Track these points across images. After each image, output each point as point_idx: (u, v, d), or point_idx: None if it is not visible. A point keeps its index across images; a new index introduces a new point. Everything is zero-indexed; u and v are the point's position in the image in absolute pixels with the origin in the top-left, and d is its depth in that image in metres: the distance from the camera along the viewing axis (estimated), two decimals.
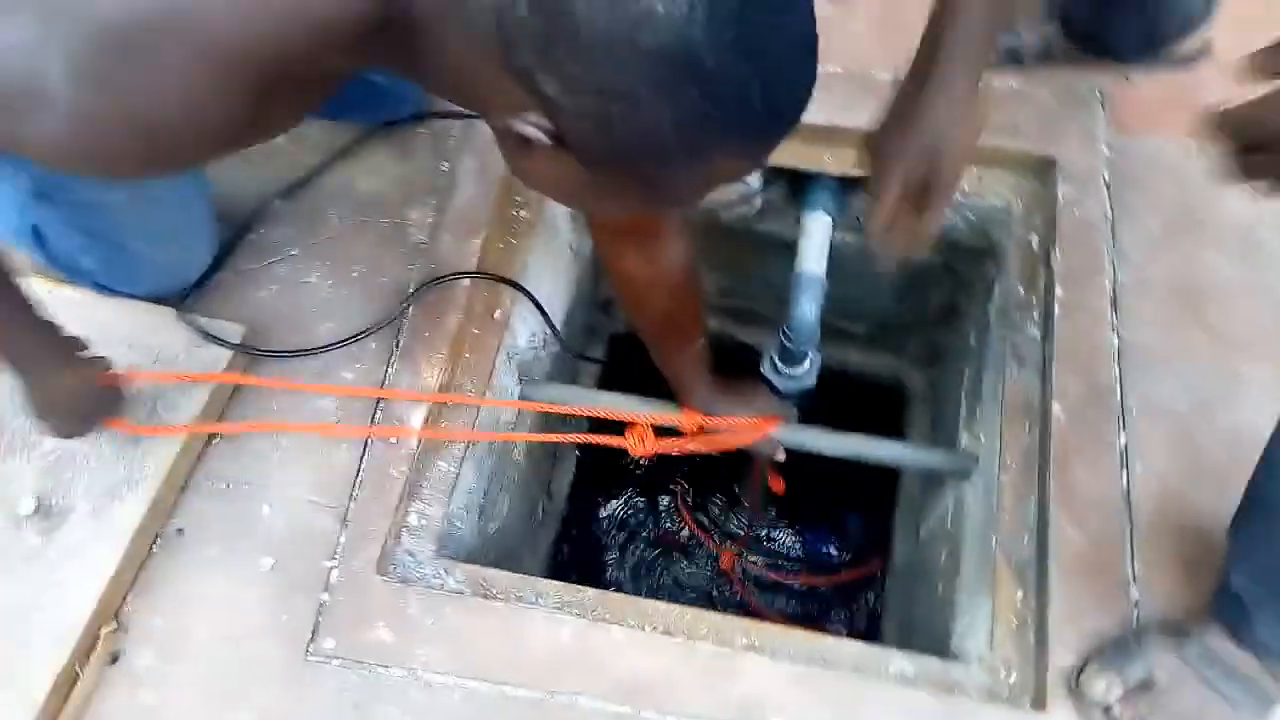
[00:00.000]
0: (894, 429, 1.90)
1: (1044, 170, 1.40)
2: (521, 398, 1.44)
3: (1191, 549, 1.13)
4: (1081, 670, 1.05)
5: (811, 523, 2.14)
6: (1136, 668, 1.02)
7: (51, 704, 1.05)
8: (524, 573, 1.44)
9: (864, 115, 1.16)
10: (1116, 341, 1.26)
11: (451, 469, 1.26)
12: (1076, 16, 1.45)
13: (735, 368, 1.48)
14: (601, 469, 2.03)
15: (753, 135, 0.64)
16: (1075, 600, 1.10)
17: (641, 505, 2.16)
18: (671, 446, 1.36)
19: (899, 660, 1.11)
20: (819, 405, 2.06)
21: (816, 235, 1.47)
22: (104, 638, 1.10)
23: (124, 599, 1.13)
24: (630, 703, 1.07)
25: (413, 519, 1.22)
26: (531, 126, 0.62)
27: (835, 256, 1.62)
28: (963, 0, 0.97)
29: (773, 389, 1.58)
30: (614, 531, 2.13)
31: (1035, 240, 1.38)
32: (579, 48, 0.57)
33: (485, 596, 1.15)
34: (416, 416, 1.24)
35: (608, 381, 1.84)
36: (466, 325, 1.33)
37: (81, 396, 1.11)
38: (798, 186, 1.54)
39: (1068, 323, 1.27)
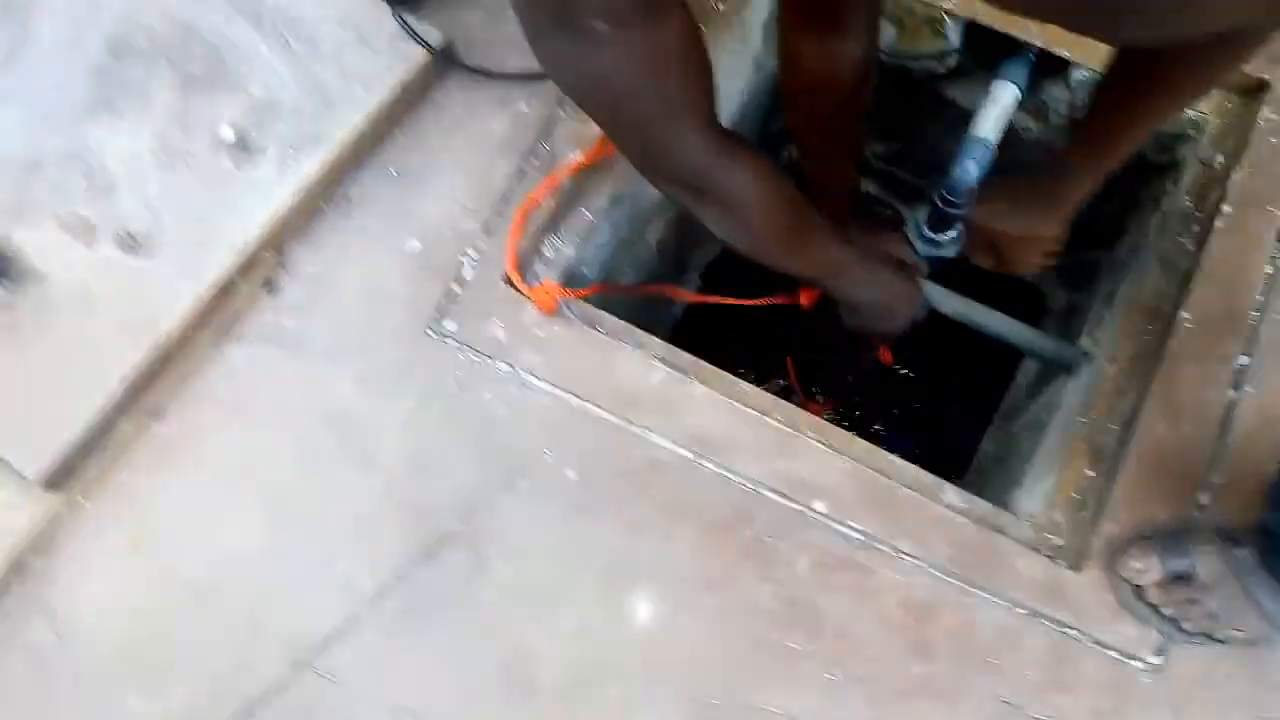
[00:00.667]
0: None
1: (1252, 93, 1.35)
2: None
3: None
4: (1123, 548, 1.08)
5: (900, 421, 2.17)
6: (1180, 560, 1.04)
7: (212, 300, 1.21)
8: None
9: None
10: (1269, 270, 1.23)
11: (591, 219, 1.34)
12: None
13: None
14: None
15: None
16: (1143, 489, 1.12)
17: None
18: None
19: (952, 493, 1.16)
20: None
21: (1000, 103, 1.45)
22: (265, 263, 1.25)
23: (289, 240, 1.27)
24: (695, 449, 1.16)
25: (546, 250, 1.31)
26: None
27: (1010, 143, 1.61)
28: (1124, 134, 1.03)
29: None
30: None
31: (1220, 159, 1.34)
32: None
33: (593, 328, 1.25)
34: (572, 160, 1.33)
35: None
36: None
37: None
38: (994, 55, 1.52)
39: (1225, 241, 1.24)
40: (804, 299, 1.42)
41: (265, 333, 1.24)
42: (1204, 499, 1.12)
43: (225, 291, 1.22)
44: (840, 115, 1.22)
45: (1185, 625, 1.04)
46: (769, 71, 1.69)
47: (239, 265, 1.22)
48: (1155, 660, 1.05)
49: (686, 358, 1.24)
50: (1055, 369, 1.50)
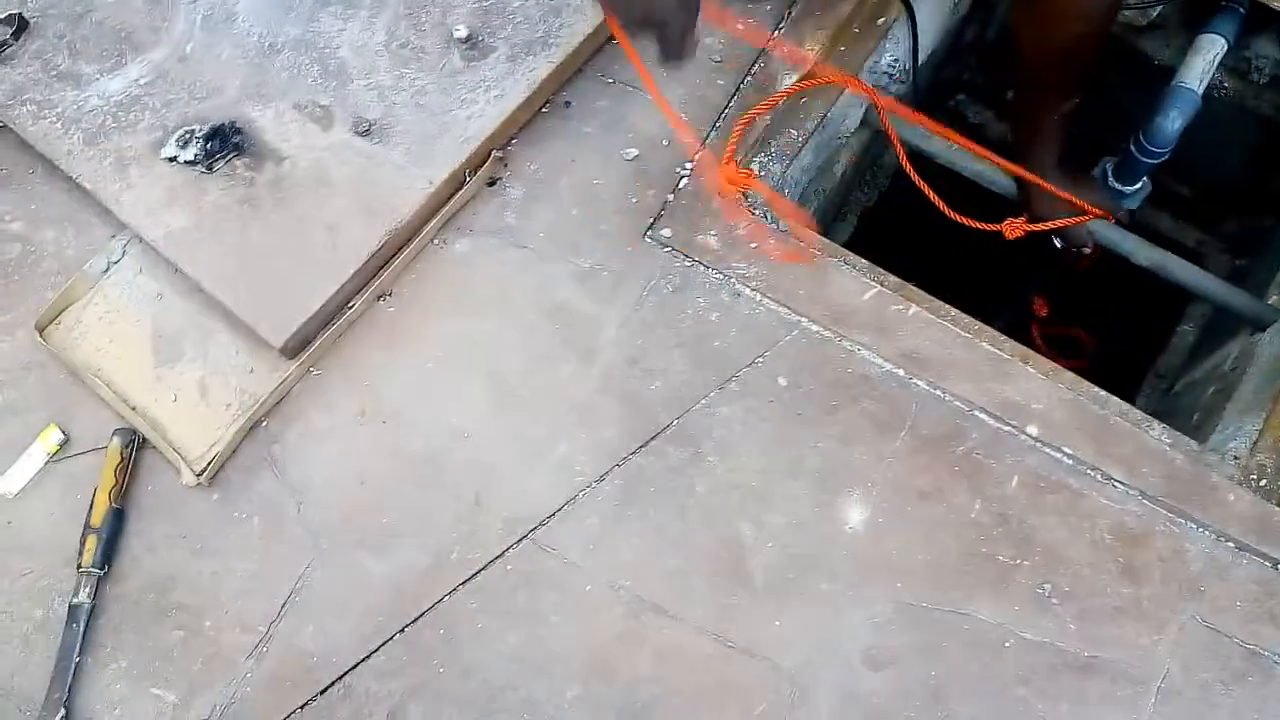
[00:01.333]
0: (1173, 310, 1.88)
1: None
2: (863, 121, 1.52)
3: None
4: None
5: None
6: None
7: (443, 190, 1.26)
8: None
9: None
10: None
11: (799, 139, 1.36)
12: None
13: None
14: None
15: None
16: None
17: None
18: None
19: (1159, 429, 1.18)
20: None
21: (1206, 55, 1.45)
22: (491, 161, 1.29)
23: (512, 139, 1.32)
24: (906, 367, 1.18)
25: (757, 165, 1.34)
26: None
27: (1204, 98, 1.60)
28: None
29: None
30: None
31: None
32: None
33: (801, 244, 1.28)
34: (787, 80, 1.35)
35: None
36: (853, 19, 1.40)
37: None
38: (1197, 9, 1.51)
39: None
40: (1009, 232, 1.43)
41: (490, 226, 1.28)
42: None
43: (454, 183, 1.27)
44: (1075, 47, 1.22)
45: None
46: (963, 14, 1.69)
47: (467, 159, 1.27)
48: None
49: (895, 279, 1.26)
50: (1233, 327, 1.49)
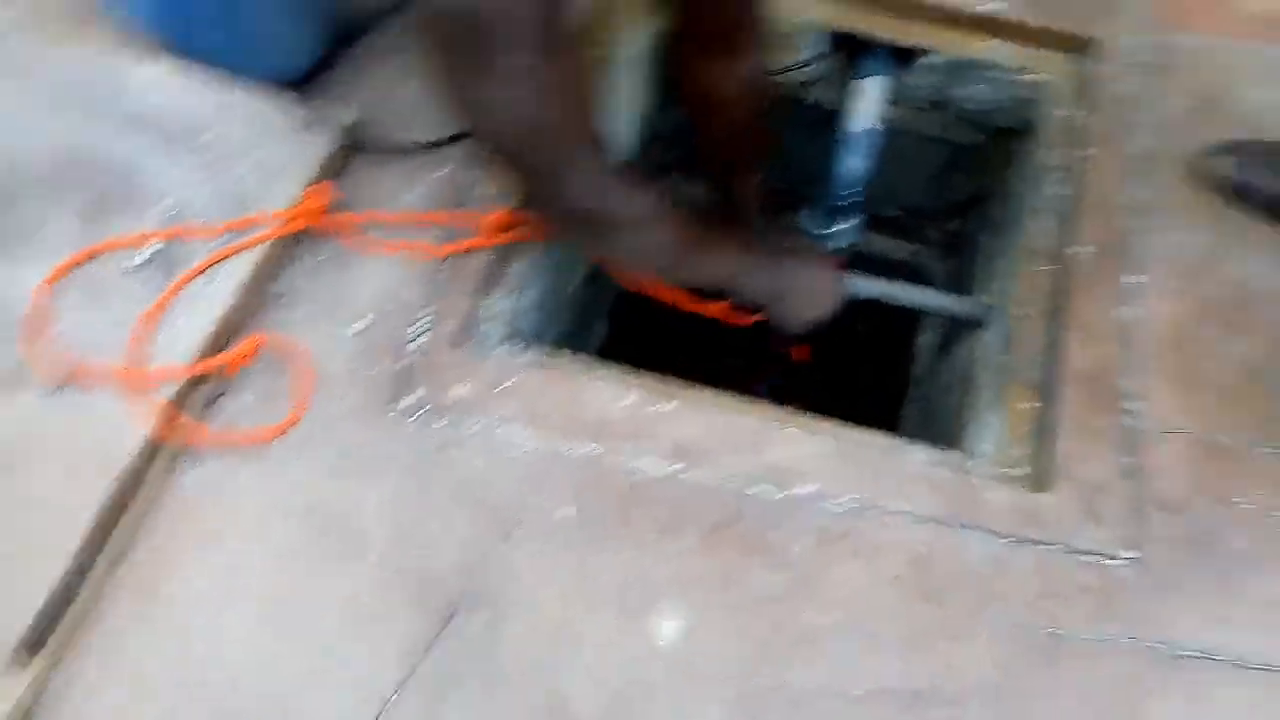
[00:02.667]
0: (911, 321, 2.03)
1: (1088, 50, 1.52)
2: None
3: (1185, 371, 1.27)
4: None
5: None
6: None
7: (161, 424, 1.18)
8: None
9: None
10: (1132, 198, 1.39)
11: (523, 269, 1.38)
12: None
13: None
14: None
15: None
16: (1077, 409, 1.24)
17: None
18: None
19: (920, 451, 1.25)
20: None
21: (871, 96, 1.59)
22: (210, 374, 1.22)
23: (232, 342, 1.26)
24: (679, 462, 1.20)
25: (488, 308, 1.34)
26: None
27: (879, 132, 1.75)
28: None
29: None
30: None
31: (1070, 113, 1.50)
32: None
33: (553, 370, 1.29)
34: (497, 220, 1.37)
35: None
36: None
37: None
38: (850, 58, 1.66)
39: (1091, 181, 1.40)
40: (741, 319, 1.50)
41: (221, 444, 1.21)
42: (1128, 405, 1.24)
43: (173, 412, 1.20)
44: (746, 123, 1.31)
45: None
46: (649, 104, 1.78)
47: (183, 382, 1.20)
48: (1131, 554, 1.15)
49: (651, 378, 1.29)
50: (964, 329, 1.62)
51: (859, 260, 1.98)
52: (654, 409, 1.24)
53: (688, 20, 1.20)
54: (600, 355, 1.99)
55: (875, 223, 2.06)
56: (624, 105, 1.71)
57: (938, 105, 1.67)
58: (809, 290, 1.39)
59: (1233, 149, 1.40)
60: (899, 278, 2.07)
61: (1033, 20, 1.51)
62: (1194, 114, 1.47)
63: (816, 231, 1.68)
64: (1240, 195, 1.37)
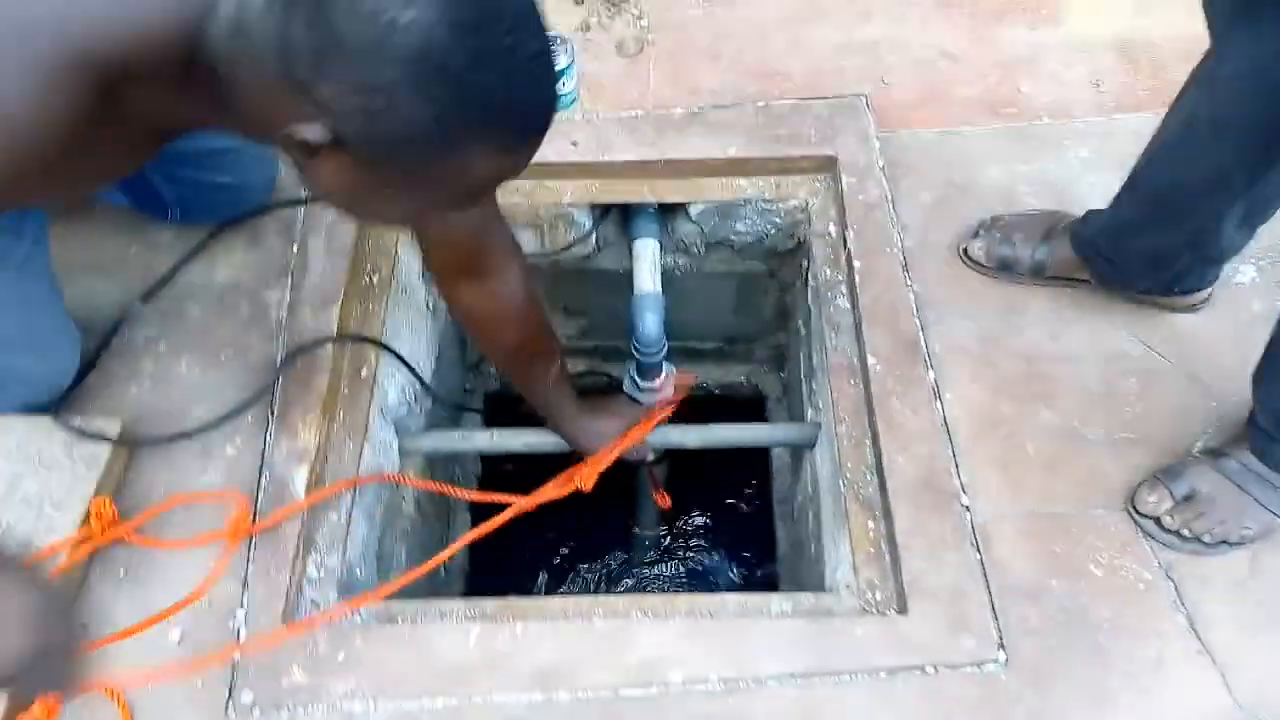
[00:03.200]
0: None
1: (829, 167, 1.60)
2: (400, 451, 1.52)
3: (1005, 452, 1.30)
4: (1135, 493, 1.24)
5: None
6: (1181, 484, 1.22)
7: None
8: None
9: (669, 149, 1.39)
10: (913, 297, 1.44)
11: (341, 520, 1.33)
12: (1095, 251, 1.38)
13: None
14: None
15: (503, 133, 0.74)
16: (916, 517, 1.25)
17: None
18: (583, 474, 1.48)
19: (778, 601, 1.23)
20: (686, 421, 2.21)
21: (646, 256, 1.63)
22: None
23: None
24: (541, 689, 1.14)
25: (311, 570, 1.28)
26: (312, 129, 0.71)
27: (670, 281, 1.79)
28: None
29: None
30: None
31: (833, 228, 1.57)
32: (345, 54, 0.67)
33: (392, 623, 1.22)
34: (300, 477, 1.31)
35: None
36: (336, 384, 1.41)
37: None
38: (625, 219, 1.70)
39: (870, 289, 1.45)
40: (583, 484, 1.48)
41: None
42: (965, 499, 1.26)
43: None
44: (523, 333, 1.30)
45: (1205, 538, 1.20)
46: (444, 309, 1.78)
47: None
48: (1001, 655, 1.14)
49: (491, 603, 1.24)
50: (801, 449, 1.64)
51: (696, 401, 2.02)
52: (505, 635, 1.18)
53: (432, 253, 1.22)
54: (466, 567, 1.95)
55: (702, 355, 2.10)
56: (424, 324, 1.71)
57: (716, 245, 1.72)
58: (609, 429, 1.48)
59: (987, 227, 1.48)
60: (738, 404, 2.14)
61: (775, 152, 1.59)
62: (943, 205, 1.55)
63: (640, 385, 1.69)
64: (1004, 268, 1.44)
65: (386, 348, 1.49)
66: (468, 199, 0.83)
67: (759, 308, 1.93)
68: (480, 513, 1.98)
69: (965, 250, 1.47)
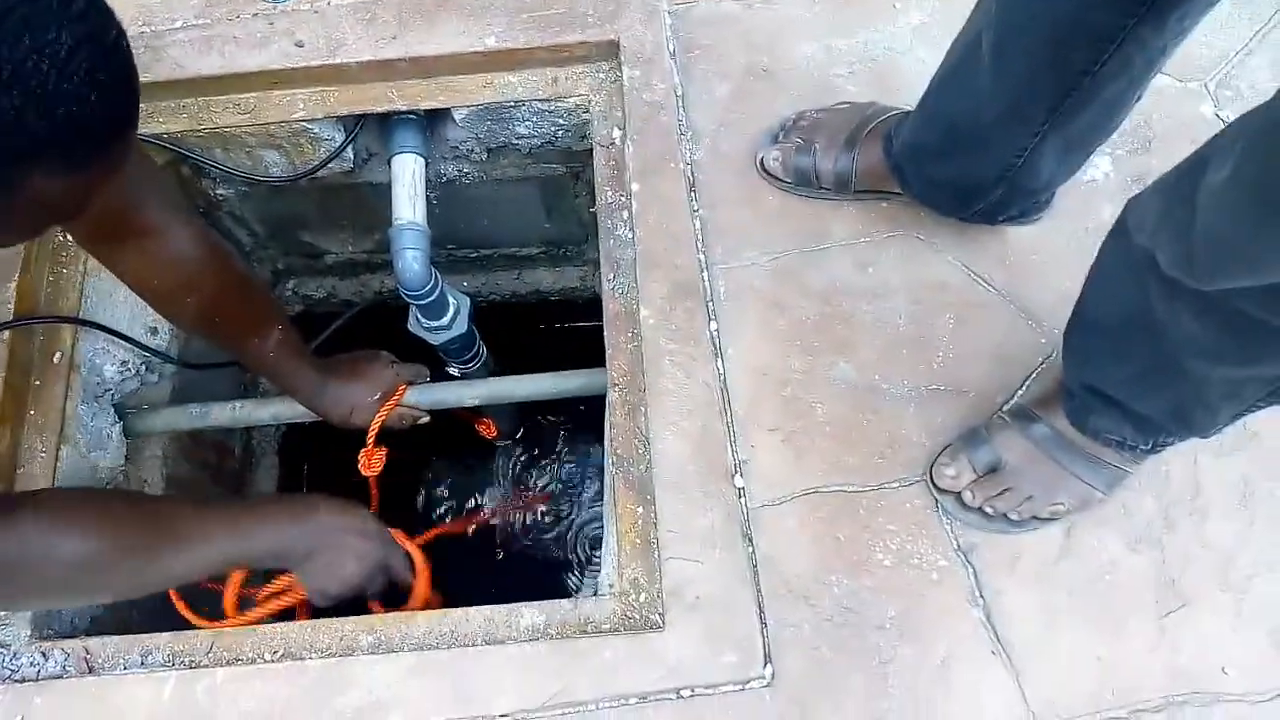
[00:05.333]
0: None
1: (611, 55, 1.32)
2: (127, 432, 1.32)
3: (790, 419, 1.11)
4: (933, 464, 1.06)
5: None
6: (984, 453, 1.04)
7: None
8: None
9: (414, 43, 1.27)
10: (698, 225, 1.20)
11: None
12: (902, 171, 1.15)
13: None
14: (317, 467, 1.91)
15: (56, 157, 0.61)
16: (682, 506, 1.07)
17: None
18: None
19: (530, 614, 1.07)
20: (535, 335, 2.01)
21: (404, 178, 1.36)
22: None
23: None
24: None
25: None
26: None
27: (459, 189, 1.53)
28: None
29: (430, 345, 1.51)
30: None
31: (616, 134, 1.30)
32: None
33: (89, 671, 1.06)
34: None
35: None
36: (20, 380, 1.19)
37: None
38: (384, 129, 1.42)
39: (649, 217, 1.21)
40: (367, 467, 1.32)
41: None
42: (740, 482, 1.08)
43: None
44: (218, 299, 1.08)
45: (1011, 516, 1.04)
46: None
47: None
48: (767, 672, 1.00)
49: (203, 635, 1.07)
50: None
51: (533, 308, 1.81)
52: (205, 685, 1.03)
53: (70, 228, 0.98)
54: None
55: (531, 261, 1.86)
56: None
57: (500, 150, 1.45)
58: (357, 395, 1.27)
59: (786, 130, 1.22)
60: (582, 304, 1.92)
61: (546, 40, 1.30)
62: (742, 99, 1.28)
63: (424, 325, 1.47)
64: (804, 183, 1.20)
65: (90, 323, 1.25)
66: (53, 222, 0.69)
67: (573, 210, 1.67)
68: (289, 461, 1.82)
69: (761, 161, 1.22)
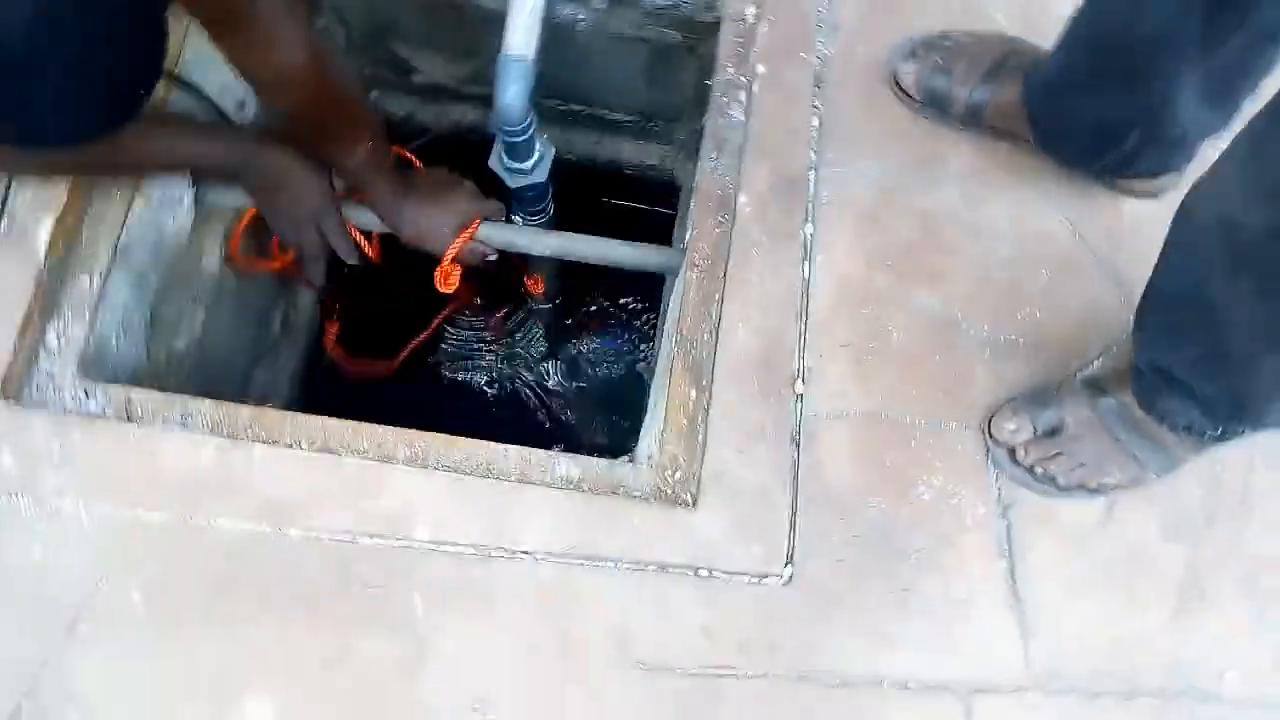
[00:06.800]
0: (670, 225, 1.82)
1: None
2: (199, 201, 1.30)
3: (864, 337, 1.10)
4: (995, 414, 1.06)
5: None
6: (1049, 414, 1.04)
7: None
8: (257, 392, 1.38)
9: None
10: (815, 124, 1.17)
11: (94, 283, 1.14)
12: (1039, 108, 1.12)
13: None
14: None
15: None
16: (738, 398, 1.07)
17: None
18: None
19: (566, 464, 1.08)
20: (596, 203, 1.98)
21: (522, 7, 1.31)
22: None
23: None
24: (270, 521, 1.02)
25: (51, 338, 1.11)
26: None
27: (570, 34, 1.49)
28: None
29: (504, 186, 1.48)
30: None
31: (750, 11, 1.25)
32: None
33: (128, 419, 1.07)
34: (45, 226, 1.11)
35: None
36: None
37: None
38: None
39: (768, 103, 1.18)
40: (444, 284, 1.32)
41: None
42: (800, 388, 1.07)
43: None
44: (318, 98, 1.05)
45: (1060, 480, 1.04)
46: None
47: None
48: (786, 571, 1.01)
49: (244, 413, 1.08)
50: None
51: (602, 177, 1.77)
52: (242, 457, 1.04)
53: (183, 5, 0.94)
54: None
55: (616, 128, 1.81)
56: None
57: (619, 1, 1.40)
58: (433, 221, 1.26)
59: (927, 48, 1.17)
60: (651, 185, 1.88)
61: None
62: (888, 3, 1.23)
63: (507, 166, 1.44)
64: (934, 104, 1.16)
65: (178, 80, 1.23)
66: None
67: (676, 84, 1.62)
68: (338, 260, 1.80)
69: (895, 74, 1.18)
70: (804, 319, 1.10)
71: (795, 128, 1.16)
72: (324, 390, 1.77)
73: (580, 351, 2.20)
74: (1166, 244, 0.92)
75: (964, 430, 1.08)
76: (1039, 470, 1.03)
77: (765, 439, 1.06)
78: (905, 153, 1.17)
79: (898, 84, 1.17)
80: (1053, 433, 1.03)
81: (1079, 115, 1.07)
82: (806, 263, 1.12)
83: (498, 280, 1.71)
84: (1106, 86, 1.01)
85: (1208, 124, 1.03)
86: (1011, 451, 1.04)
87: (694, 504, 1.04)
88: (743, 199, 1.13)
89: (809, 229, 1.13)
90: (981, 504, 1.05)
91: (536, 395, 2.14)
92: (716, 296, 1.13)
